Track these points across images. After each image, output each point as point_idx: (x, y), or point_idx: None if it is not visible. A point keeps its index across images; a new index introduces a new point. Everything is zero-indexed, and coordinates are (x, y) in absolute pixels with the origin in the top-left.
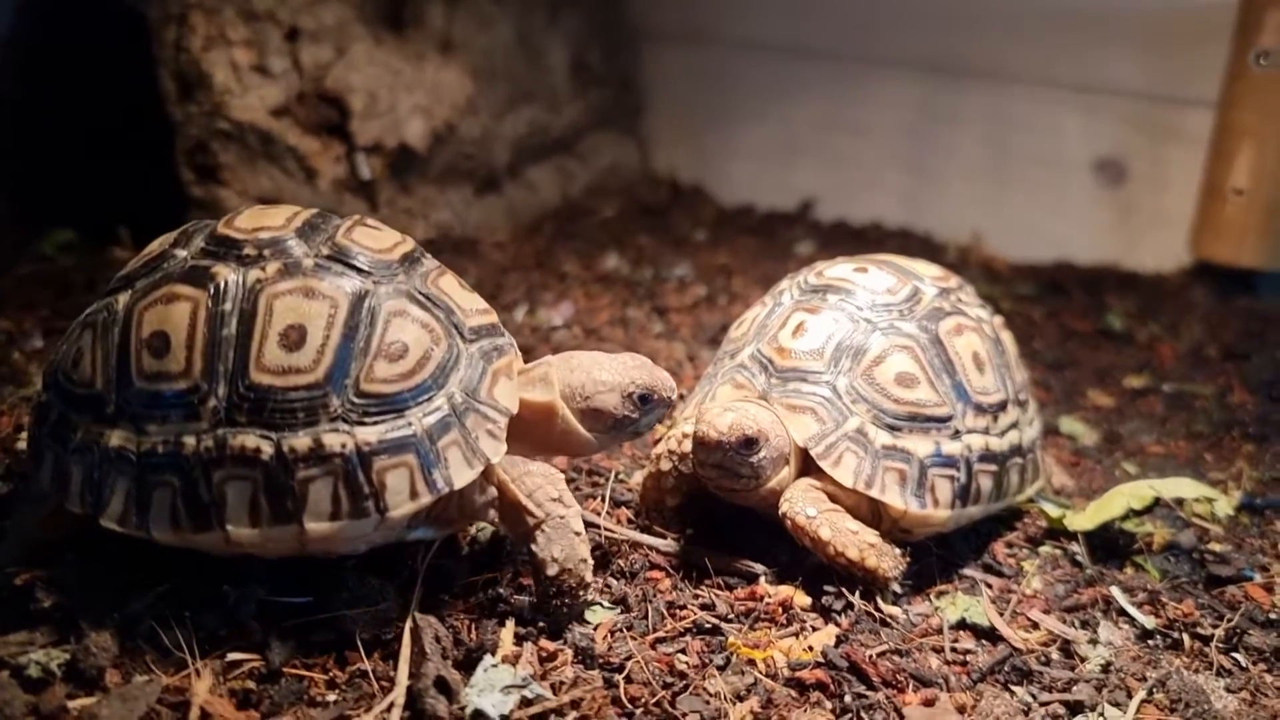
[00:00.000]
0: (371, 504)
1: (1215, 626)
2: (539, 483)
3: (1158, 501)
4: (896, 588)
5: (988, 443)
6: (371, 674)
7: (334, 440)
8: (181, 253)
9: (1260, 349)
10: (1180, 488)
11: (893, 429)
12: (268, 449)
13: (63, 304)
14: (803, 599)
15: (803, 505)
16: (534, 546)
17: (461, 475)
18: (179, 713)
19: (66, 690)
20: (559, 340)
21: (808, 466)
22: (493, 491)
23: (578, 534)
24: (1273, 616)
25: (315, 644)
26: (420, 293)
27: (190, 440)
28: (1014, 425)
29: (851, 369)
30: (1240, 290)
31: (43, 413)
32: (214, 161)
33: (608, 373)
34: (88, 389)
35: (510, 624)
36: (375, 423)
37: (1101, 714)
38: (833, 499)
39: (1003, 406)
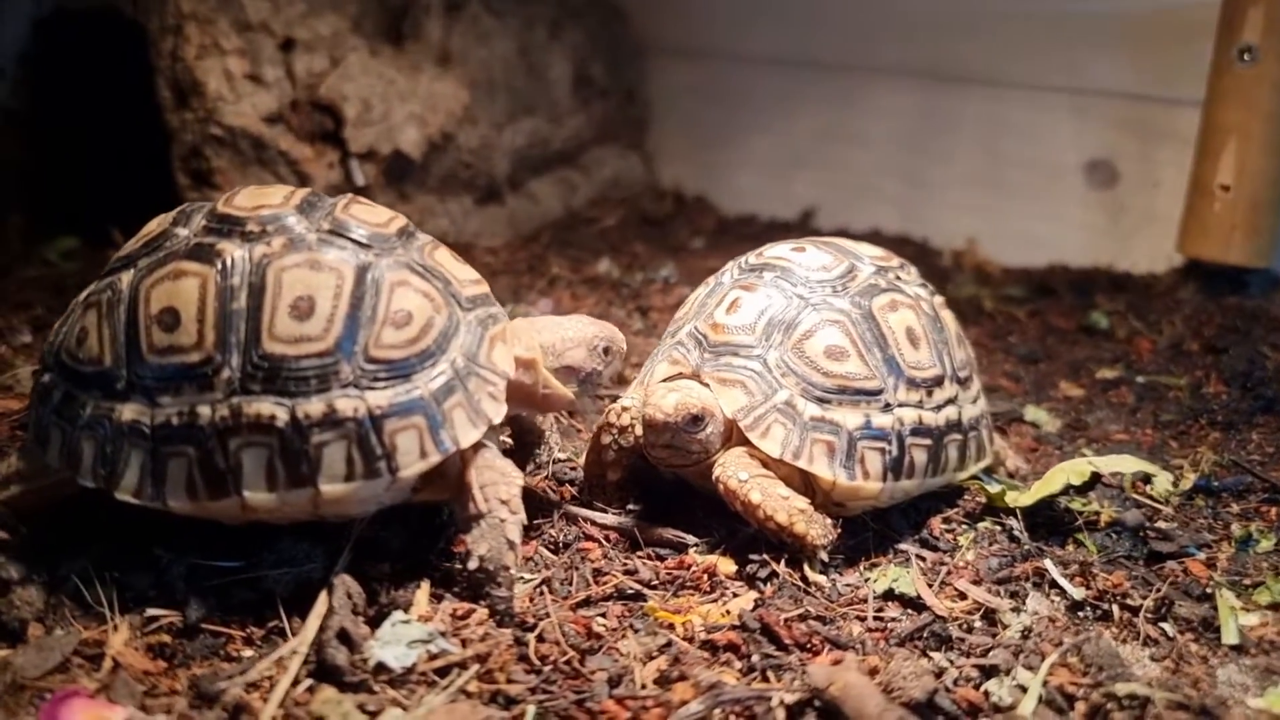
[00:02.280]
0: (384, 464)
1: (1144, 598)
2: (494, 479)
3: (1099, 478)
4: (824, 556)
5: (921, 416)
6: (288, 630)
7: (346, 405)
8: (183, 231)
9: (1241, 343)
10: (1119, 463)
11: (822, 401)
12: (283, 415)
13: (55, 303)
14: (728, 567)
15: (735, 470)
16: (467, 536)
17: (467, 435)
18: (94, 664)
19: None
20: None
21: (742, 439)
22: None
23: (510, 542)
24: (1208, 590)
25: (235, 603)
26: (419, 264)
27: (205, 410)
28: (951, 401)
29: (782, 343)
30: (1230, 288)
31: (45, 392)
32: (208, 166)
33: (571, 330)
34: (95, 366)
35: (426, 584)
36: (385, 387)
37: (1014, 677)
38: (770, 470)
39: (938, 381)
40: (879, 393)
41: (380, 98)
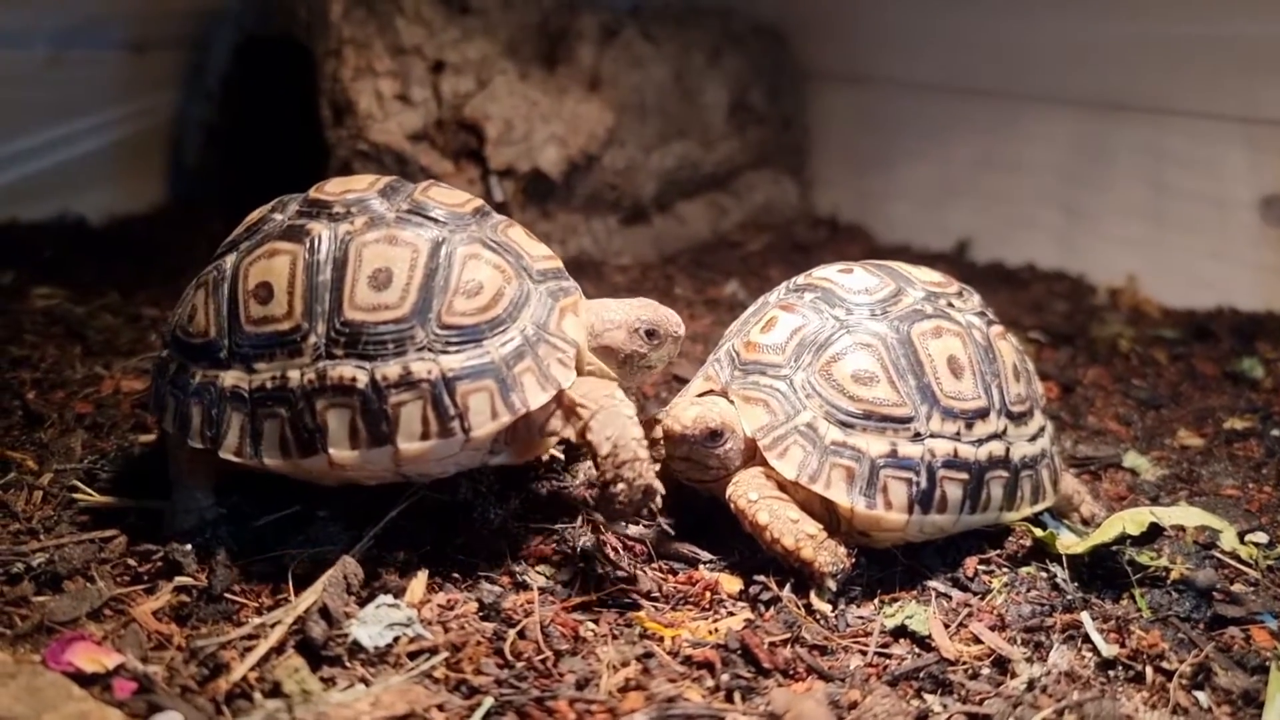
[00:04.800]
0: (457, 424)
1: (1182, 662)
2: (590, 386)
3: (1159, 530)
4: (832, 584)
5: (956, 449)
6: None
7: (421, 367)
8: (279, 216)
9: None
10: (1183, 515)
11: (845, 425)
12: (363, 377)
13: None
14: (732, 586)
15: (746, 489)
16: (590, 436)
17: (536, 397)
18: (119, 616)
19: (34, 588)
20: None
21: (764, 459)
22: (559, 416)
23: (629, 417)
24: (1266, 663)
25: (256, 575)
26: (492, 240)
27: (295, 374)
28: (997, 435)
29: (810, 364)
30: None
31: (163, 366)
32: None
33: (614, 312)
34: (203, 338)
35: (424, 574)
36: (457, 351)
37: None
38: (787, 494)
39: (981, 414)
40: (908, 421)
41: (523, 118)
